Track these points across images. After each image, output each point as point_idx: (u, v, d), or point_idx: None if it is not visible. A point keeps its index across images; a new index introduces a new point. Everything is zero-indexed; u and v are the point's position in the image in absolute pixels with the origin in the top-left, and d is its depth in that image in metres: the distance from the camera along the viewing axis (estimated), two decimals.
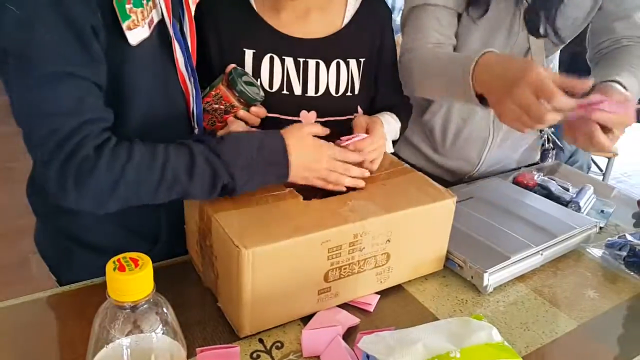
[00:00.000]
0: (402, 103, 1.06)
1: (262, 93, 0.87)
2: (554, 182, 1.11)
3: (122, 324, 0.45)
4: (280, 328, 0.72)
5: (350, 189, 0.83)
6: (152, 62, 0.73)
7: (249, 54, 0.91)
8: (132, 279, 0.43)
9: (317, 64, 0.94)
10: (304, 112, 0.94)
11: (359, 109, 0.99)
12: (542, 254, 0.87)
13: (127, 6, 0.65)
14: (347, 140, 0.83)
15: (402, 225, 0.76)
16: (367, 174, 0.83)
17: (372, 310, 0.77)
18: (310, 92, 0.94)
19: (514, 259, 0.83)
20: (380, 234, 0.74)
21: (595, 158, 2.90)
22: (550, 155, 1.31)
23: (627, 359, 0.72)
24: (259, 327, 0.70)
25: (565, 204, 1.05)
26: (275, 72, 0.92)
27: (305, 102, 0.94)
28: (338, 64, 0.95)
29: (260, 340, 0.70)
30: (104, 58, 0.65)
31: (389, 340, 0.57)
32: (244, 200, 0.74)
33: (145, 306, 0.45)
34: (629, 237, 0.94)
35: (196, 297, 0.77)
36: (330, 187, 0.79)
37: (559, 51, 1.16)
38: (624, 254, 0.91)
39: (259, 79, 0.92)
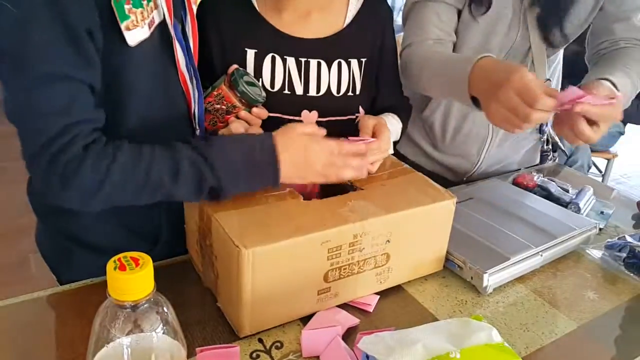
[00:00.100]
0: (402, 104, 1.06)
1: (263, 94, 0.87)
2: (553, 183, 1.11)
3: (123, 323, 0.45)
4: (280, 328, 0.72)
5: (350, 188, 0.83)
6: (152, 62, 0.73)
7: (250, 54, 0.91)
8: (132, 278, 0.43)
9: (319, 64, 0.94)
10: (305, 112, 0.94)
11: (361, 109, 0.99)
12: (541, 255, 0.87)
13: (126, 6, 0.64)
14: (354, 142, 0.82)
15: (402, 226, 0.76)
16: (370, 167, 0.82)
17: (371, 310, 0.77)
18: (312, 92, 0.94)
19: (513, 259, 0.83)
20: (380, 235, 0.74)
21: (595, 159, 2.90)
22: (550, 158, 1.31)
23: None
24: (258, 327, 0.70)
25: (565, 205, 1.05)
26: (277, 71, 0.92)
27: (307, 102, 0.94)
28: (339, 64, 0.95)
29: (260, 340, 0.70)
30: (99, 60, 0.65)
31: (389, 341, 0.57)
32: (244, 200, 0.74)
33: (145, 305, 0.45)
34: (629, 239, 0.94)
35: (196, 296, 0.77)
36: (333, 180, 0.77)
37: (562, 51, 1.17)
38: (624, 255, 0.91)
39: (260, 79, 0.92)
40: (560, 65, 1.21)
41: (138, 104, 0.72)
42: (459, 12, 1.06)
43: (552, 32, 1.03)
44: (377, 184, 0.83)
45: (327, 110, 0.96)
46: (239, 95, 0.84)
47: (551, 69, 1.14)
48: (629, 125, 2.80)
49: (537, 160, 1.33)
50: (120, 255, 0.46)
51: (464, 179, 1.26)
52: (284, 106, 0.93)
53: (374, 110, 1.02)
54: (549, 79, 1.12)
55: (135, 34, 0.67)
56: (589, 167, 2.75)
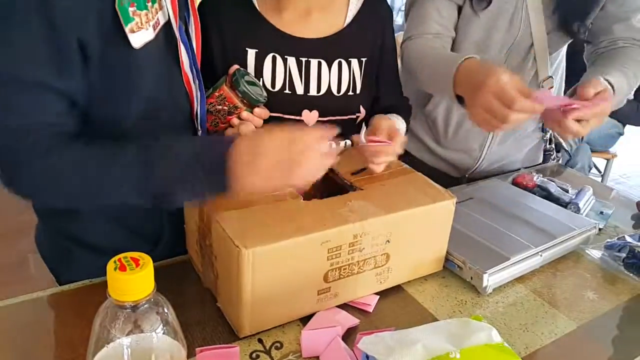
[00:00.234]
0: (403, 104, 1.06)
1: (264, 94, 0.87)
2: (553, 183, 1.12)
3: (123, 323, 0.45)
4: (280, 328, 0.72)
5: (350, 188, 0.83)
6: (157, 64, 0.73)
7: (251, 54, 0.91)
8: (133, 278, 0.43)
9: (319, 64, 0.94)
10: (306, 112, 0.94)
11: (362, 109, 0.99)
12: (541, 255, 0.88)
13: (131, 9, 0.64)
14: (372, 142, 0.82)
15: (402, 226, 0.76)
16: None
17: (371, 310, 0.77)
18: (312, 91, 0.94)
19: (513, 260, 0.84)
20: (380, 235, 0.74)
21: (594, 159, 2.90)
22: (553, 157, 1.32)
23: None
24: (258, 328, 0.70)
25: (565, 205, 1.05)
26: (278, 71, 0.92)
27: (307, 102, 0.94)
28: (340, 64, 0.95)
29: (260, 341, 0.70)
30: (83, 70, 0.64)
31: (389, 341, 0.57)
32: (244, 200, 0.74)
33: (145, 306, 0.45)
34: (628, 239, 0.94)
35: (196, 297, 0.77)
36: (302, 177, 0.67)
37: (564, 48, 1.17)
38: (623, 255, 0.91)
39: (261, 79, 0.92)
40: (564, 63, 1.21)
41: (142, 105, 0.72)
42: (460, 9, 1.07)
43: (578, 28, 1.05)
44: (377, 184, 0.83)
45: (328, 110, 0.96)
46: (240, 95, 0.84)
47: (554, 66, 1.15)
48: (628, 125, 2.80)
49: (540, 160, 1.33)
50: (121, 255, 0.46)
51: (466, 175, 1.26)
52: (285, 106, 0.93)
53: (375, 110, 1.02)
54: (551, 76, 1.13)
55: (140, 36, 0.67)
56: (590, 169, 2.75)
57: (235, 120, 0.86)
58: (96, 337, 0.46)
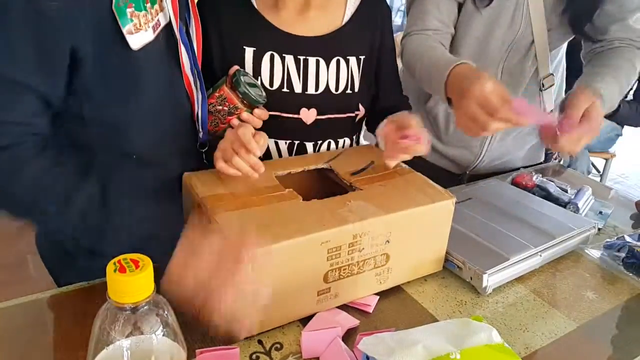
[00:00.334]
0: (404, 103, 1.06)
1: (264, 95, 0.87)
2: (552, 183, 1.12)
3: (123, 325, 0.45)
4: (280, 329, 0.72)
5: (349, 188, 0.83)
6: (158, 65, 0.73)
7: (249, 52, 0.91)
8: (132, 280, 0.43)
9: (317, 62, 0.94)
10: (304, 110, 0.94)
11: (360, 107, 0.99)
12: (541, 255, 0.88)
13: (129, 10, 0.64)
14: (406, 138, 0.82)
15: (402, 226, 0.76)
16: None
17: (371, 311, 0.77)
18: (311, 89, 0.94)
19: (513, 260, 0.84)
20: (380, 235, 0.74)
21: (593, 159, 2.91)
22: (554, 157, 1.32)
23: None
24: (258, 329, 0.70)
25: (564, 205, 1.05)
26: (276, 70, 0.92)
27: (306, 100, 0.94)
28: (338, 62, 0.95)
29: (260, 342, 0.70)
30: (68, 74, 0.64)
31: (389, 342, 0.57)
32: (244, 200, 0.74)
33: (145, 307, 0.45)
34: (628, 239, 0.94)
35: None
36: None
37: (564, 47, 1.18)
38: (623, 255, 0.91)
39: (259, 77, 0.92)
40: (564, 61, 1.22)
41: (142, 107, 0.72)
42: (460, 5, 1.08)
43: (585, 24, 1.06)
44: (377, 184, 0.83)
45: (326, 108, 0.96)
46: (240, 96, 0.84)
47: (554, 64, 1.16)
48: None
49: (542, 158, 1.33)
50: (120, 257, 0.45)
51: (467, 172, 1.27)
52: (283, 105, 0.93)
53: (376, 109, 1.02)
54: (551, 74, 1.14)
55: (139, 38, 0.66)
56: (589, 172, 2.76)
57: (235, 121, 0.86)
58: (96, 339, 0.46)
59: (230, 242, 0.63)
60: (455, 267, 0.85)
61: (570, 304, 0.82)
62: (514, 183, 1.14)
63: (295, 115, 0.94)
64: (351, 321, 0.73)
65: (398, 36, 1.18)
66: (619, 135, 2.78)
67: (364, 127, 1.09)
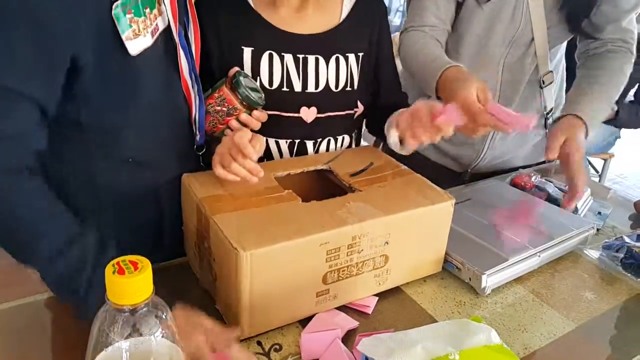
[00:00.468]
0: (403, 100, 1.07)
1: (263, 97, 0.87)
2: (551, 184, 1.12)
3: (122, 327, 0.44)
4: (279, 330, 0.72)
5: (349, 189, 0.83)
6: (156, 70, 0.73)
7: (247, 52, 0.91)
8: (131, 282, 0.43)
9: (317, 60, 0.94)
10: (304, 109, 0.94)
11: (359, 104, 0.99)
12: (539, 256, 0.88)
13: (128, 16, 0.64)
14: (442, 115, 0.80)
15: (401, 227, 0.76)
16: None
17: (370, 312, 0.77)
18: (311, 88, 0.94)
19: (511, 260, 0.84)
20: (379, 236, 0.74)
21: (592, 159, 2.91)
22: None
23: None
24: (257, 330, 0.70)
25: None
26: (275, 69, 0.92)
27: (305, 99, 0.94)
28: (337, 59, 0.95)
29: (259, 343, 0.69)
30: (66, 82, 0.64)
31: (389, 343, 0.57)
32: (243, 202, 0.74)
33: (144, 309, 0.45)
34: (626, 239, 0.94)
35: (194, 299, 0.76)
36: None
37: (564, 45, 1.19)
38: (621, 255, 0.91)
39: (258, 77, 0.92)
40: (564, 61, 1.23)
41: (141, 111, 0.72)
42: (458, 5, 1.10)
43: (582, 22, 1.08)
44: (376, 186, 0.83)
45: (326, 106, 0.96)
46: (240, 97, 0.84)
47: (553, 63, 1.17)
48: None
49: (543, 158, 1.33)
50: (119, 258, 0.45)
51: (469, 170, 1.27)
52: (283, 104, 0.93)
53: (378, 107, 1.02)
54: (551, 71, 1.15)
55: (138, 43, 0.66)
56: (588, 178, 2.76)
57: (233, 122, 0.86)
58: (95, 341, 0.45)
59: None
60: (454, 268, 0.85)
61: (568, 305, 0.82)
62: (513, 184, 1.14)
63: (296, 114, 0.94)
64: (350, 322, 0.73)
65: (396, 36, 1.18)
66: (617, 137, 2.79)
67: (363, 128, 1.09)
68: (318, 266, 0.70)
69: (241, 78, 0.84)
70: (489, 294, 0.82)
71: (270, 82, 0.92)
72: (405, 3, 1.21)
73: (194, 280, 0.81)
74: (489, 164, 1.26)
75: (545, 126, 1.28)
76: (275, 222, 0.70)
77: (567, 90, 1.20)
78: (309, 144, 0.97)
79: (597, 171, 3.06)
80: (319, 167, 0.90)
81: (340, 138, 1.00)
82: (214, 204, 0.73)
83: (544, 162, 1.33)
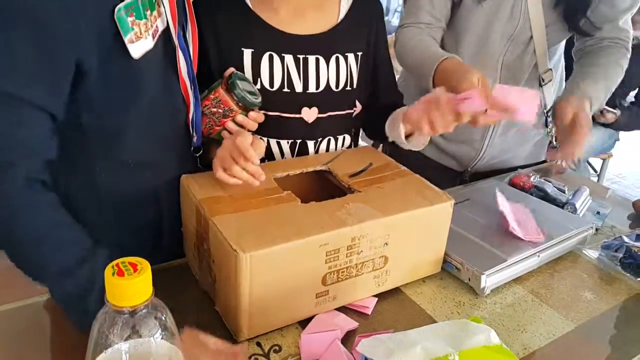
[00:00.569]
0: (400, 100, 1.07)
1: (260, 98, 0.87)
2: (550, 184, 1.12)
3: (121, 329, 0.45)
4: (278, 331, 0.72)
5: (348, 190, 0.83)
6: (156, 72, 0.73)
7: (247, 54, 0.91)
8: (131, 283, 0.43)
9: (317, 60, 0.94)
10: (305, 109, 0.94)
11: (357, 104, 1.00)
12: (538, 256, 0.88)
13: (130, 19, 0.64)
14: (467, 100, 0.80)
15: (400, 229, 0.76)
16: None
17: (369, 313, 0.77)
18: (311, 88, 0.94)
19: (511, 261, 0.84)
20: (378, 237, 0.74)
21: (590, 159, 2.91)
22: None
23: None
24: (257, 331, 0.70)
25: (562, 205, 1.06)
26: (276, 70, 0.92)
27: (306, 99, 0.94)
28: (337, 59, 0.96)
29: (258, 344, 0.69)
30: (72, 87, 0.63)
31: (388, 343, 0.57)
32: (242, 203, 0.74)
33: (144, 311, 0.45)
34: (625, 239, 0.94)
35: (194, 301, 0.77)
36: None
37: (563, 44, 1.20)
38: (620, 255, 0.91)
39: (259, 79, 0.91)
40: (563, 60, 1.24)
41: (141, 113, 0.72)
42: (454, 4, 1.12)
43: (579, 19, 1.08)
44: (375, 187, 0.83)
45: (327, 106, 0.96)
46: (236, 99, 0.84)
47: (553, 61, 1.18)
48: None
49: (544, 157, 1.34)
50: (119, 260, 0.45)
51: (469, 169, 1.27)
52: (284, 105, 0.93)
53: (376, 107, 1.02)
54: (550, 69, 1.15)
55: (139, 46, 0.66)
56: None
57: (230, 124, 0.86)
58: (94, 343, 0.45)
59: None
60: (453, 268, 0.85)
61: (568, 305, 0.82)
62: (512, 184, 1.14)
63: (297, 115, 0.94)
64: (350, 323, 0.73)
65: (392, 37, 1.19)
66: (617, 140, 2.79)
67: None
68: (317, 267, 0.70)
69: (237, 79, 0.84)
70: (488, 294, 0.82)
71: (271, 84, 0.92)
72: (403, 2, 1.22)
73: (193, 282, 0.81)
74: (489, 162, 1.26)
75: (546, 124, 1.28)
76: (275, 224, 0.70)
77: None
78: (310, 144, 0.97)
79: (595, 171, 3.07)
80: (318, 167, 0.90)
81: (340, 138, 1.01)
82: (213, 205, 0.73)
83: (544, 162, 1.33)
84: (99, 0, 0.61)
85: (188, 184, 0.79)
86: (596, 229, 1.01)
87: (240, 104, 0.84)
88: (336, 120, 0.98)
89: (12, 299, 0.75)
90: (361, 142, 1.10)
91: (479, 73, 0.86)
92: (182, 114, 0.82)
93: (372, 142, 1.55)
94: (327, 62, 0.95)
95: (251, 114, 0.86)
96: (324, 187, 0.90)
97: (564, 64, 1.25)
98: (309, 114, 0.95)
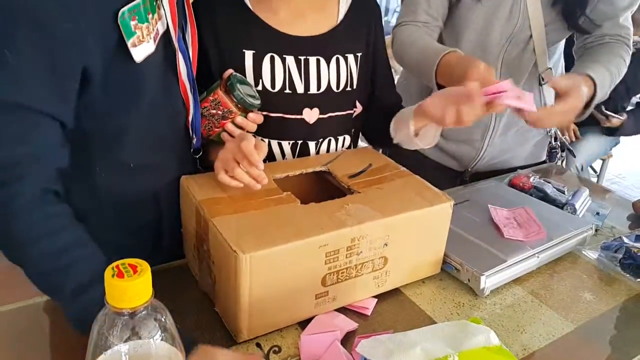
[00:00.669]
0: (400, 101, 1.07)
1: (259, 100, 0.87)
2: (549, 184, 1.12)
3: (121, 330, 0.45)
4: (278, 332, 0.72)
5: (347, 191, 0.83)
6: (157, 74, 0.73)
7: (249, 55, 0.91)
8: (130, 285, 0.43)
9: (318, 61, 0.94)
10: (306, 110, 0.95)
11: (358, 104, 1.00)
12: (538, 257, 0.88)
13: (132, 22, 0.64)
14: (499, 94, 0.81)
15: (400, 229, 0.76)
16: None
17: (369, 314, 0.77)
18: (313, 89, 0.94)
19: (510, 261, 0.84)
20: (378, 238, 0.74)
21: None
22: (559, 157, 1.33)
23: None
24: (256, 332, 0.70)
25: (561, 206, 1.06)
26: (277, 71, 0.92)
27: (308, 100, 0.94)
28: (337, 60, 0.96)
29: (258, 345, 0.70)
30: (78, 93, 0.63)
31: (388, 344, 0.57)
32: (242, 204, 0.74)
33: (144, 312, 0.45)
34: (625, 239, 0.94)
35: (193, 302, 0.77)
36: None
37: (562, 43, 1.20)
38: (620, 256, 0.91)
39: (260, 80, 0.91)
40: (562, 60, 1.24)
41: (142, 116, 0.72)
42: (451, 4, 1.12)
43: (579, 17, 1.08)
44: (374, 187, 0.83)
45: (327, 107, 0.96)
46: (235, 100, 0.84)
47: (552, 61, 1.18)
48: None
49: (544, 157, 1.34)
50: (119, 262, 0.45)
51: (469, 168, 1.27)
52: (286, 106, 0.93)
53: (377, 108, 1.03)
54: (549, 68, 1.15)
55: (142, 50, 0.66)
56: (582, 170, 2.77)
57: (229, 125, 0.86)
58: (94, 344, 0.45)
59: None
60: (453, 269, 0.85)
61: (567, 305, 0.82)
62: (512, 184, 1.15)
63: (299, 116, 0.94)
64: (350, 324, 0.73)
65: (389, 39, 1.19)
66: (617, 143, 2.79)
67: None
68: (317, 268, 0.70)
69: (236, 81, 0.84)
70: (487, 295, 0.82)
71: (273, 85, 0.92)
72: (400, 0, 1.23)
73: (193, 283, 0.81)
74: (489, 162, 1.26)
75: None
76: (275, 225, 0.70)
77: None
78: (311, 145, 0.97)
79: (595, 171, 3.07)
80: (318, 168, 0.90)
81: (340, 138, 1.01)
82: (213, 206, 0.73)
83: (544, 162, 1.33)
84: (101, 5, 0.61)
85: (188, 185, 0.79)
86: (596, 230, 1.01)
87: (239, 106, 0.84)
88: (337, 120, 0.98)
89: (12, 299, 0.75)
90: (361, 143, 1.10)
91: (484, 63, 0.86)
92: (182, 117, 0.82)
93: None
94: (328, 63, 0.95)
95: (250, 115, 0.86)
96: (323, 188, 0.90)
97: (563, 64, 1.26)
98: (310, 115, 0.95)
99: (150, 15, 0.67)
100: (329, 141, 0.99)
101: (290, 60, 0.92)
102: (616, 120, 2.46)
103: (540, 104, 1.20)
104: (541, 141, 1.31)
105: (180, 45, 0.75)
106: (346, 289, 0.75)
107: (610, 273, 0.91)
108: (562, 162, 1.37)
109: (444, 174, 1.29)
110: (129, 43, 0.64)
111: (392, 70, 1.09)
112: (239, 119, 0.86)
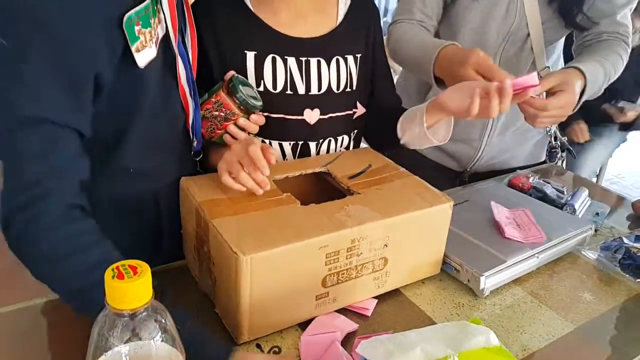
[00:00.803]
0: (400, 103, 1.07)
1: (261, 101, 0.87)
2: (549, 184, 1.12)
3: (121, 331, 0.45)
4: (278, 333, 0.72)
5: (347, 192, 0.83)
6: (158, 79, 0.73)
7: (250, 56, 0.91)
8: (130, 286, 0.43)
9: (319, 62, 0.94)
10: (307, 111, 0.95)
11: (358, 105, 1.00)
12: (537, 257, 0.88)
13: (136, 28, 0.64)
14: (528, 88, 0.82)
15: (400, 230, 0.77)
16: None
17: (369, 314, 0.77)
18: (314, 90, 0.95)
19: (510, 262, 0.84)
20: (378, 239, 0.74)
21: None
22: (559, 157, 1.33)
23: None
24: (257, 333, 0.70)
25: (560, 206, 1.06)
26: (279, 72, 0.92)
27: (308, 101, 0.95)
28: (337, 61, 0.96)
29: (258, 346, 0.70)
30: (93, 101, 0.63)
31: (388, 345, 0.57)
32: (242, 205, 0.74)
33: (144, 314, 0.45)
34: (625, 240, 0.95)
35: (193, 303, 0.77)
36: None
37: (562, 41, 1.20)
38: (619, 256, 0.92)
39: (262, 81, 0.92)
40: (562, 60, 1.24)
41: (142, 121, 0.72)
42: (446, 3, 1.14)
43: (576, 15, 1.09)
44: (374, 188, 0.83)
45: (328, 108, 0.97)
46: (237, 102, 0.84)
47: (551, 61, 1.18)
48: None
49: (543, 157, 1.34)
50: (119, 263, 0.45)
51: (468, 168, 1.27)
52: (287, 107, 0.93)
53: (378, 108, 1.03)
54: (547, 67, 1.15)
55: (145, 55, 0.66)
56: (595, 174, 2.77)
57: (232, 127, 0.86)
58: (94, 346, 0.45)
59: None
60: (452, 270, 0.85)
61: (567, 306, 0.82)
62: (511, 185, 1.15)
63: (300, 117, 0.94)
64: (350, 325, 0.73)
65: (386, 39, 1.20)
66: (624, 141, 2.78)
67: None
68: (317, 269, 0.71)
69: (238, 82, 0.84)
70: (487, 295, 0.82)
71: (274, 86, 0.92)
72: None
73: (193, 284, 0.81)
74: (488, 162, 1.26)
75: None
76: (275, 226, 0.70)
77: None
78: (312, 145, 0.98)
79: (595, 171, 3.07)
80: (318, 169, 0.90)
81: (340, 138, 1.01)
82: (213, 207, 0.73)
83: (544, 162, 1.33)
84: (108, 10, 0.61)
85: (188, 187, 0.79)
86: (595, 230, 1.01)
87: (242, 107, 0.85)
88: (337, 121, 0.98)
89: (13, 300, 0.75)
90: (362, 144, 1.11)
91: (483, 52, 0.89)
92: (181, 120, 0.82)
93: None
94: (328, 64, 0.95)
95: (253, 116, 0.87)
96: (323, 189, 0.90)
97: (563, 64, 1.26)
98: (311, 116, 0.95)
99: (152, 20, 0.67)
100: (330, 141, 0.99)
101: (291, 61, 0.93)
102: (632, 113, 2.42)
103: None
104: (541, 141, 1.31)
105: (180, 50, 0.75)
106: (346, 290, 0.75)
107: (610, 273, 0.91)
108: (562, 162, 1.37)
109: (443, 174, 1.29)
110: (133, 48, 0.64)
111: (392, 70, 1.09)
112: (242, 121, 0.86)
